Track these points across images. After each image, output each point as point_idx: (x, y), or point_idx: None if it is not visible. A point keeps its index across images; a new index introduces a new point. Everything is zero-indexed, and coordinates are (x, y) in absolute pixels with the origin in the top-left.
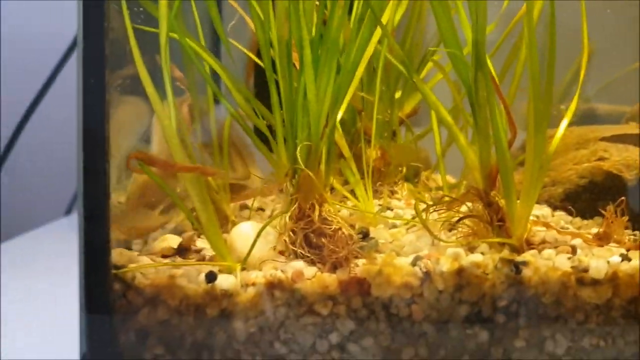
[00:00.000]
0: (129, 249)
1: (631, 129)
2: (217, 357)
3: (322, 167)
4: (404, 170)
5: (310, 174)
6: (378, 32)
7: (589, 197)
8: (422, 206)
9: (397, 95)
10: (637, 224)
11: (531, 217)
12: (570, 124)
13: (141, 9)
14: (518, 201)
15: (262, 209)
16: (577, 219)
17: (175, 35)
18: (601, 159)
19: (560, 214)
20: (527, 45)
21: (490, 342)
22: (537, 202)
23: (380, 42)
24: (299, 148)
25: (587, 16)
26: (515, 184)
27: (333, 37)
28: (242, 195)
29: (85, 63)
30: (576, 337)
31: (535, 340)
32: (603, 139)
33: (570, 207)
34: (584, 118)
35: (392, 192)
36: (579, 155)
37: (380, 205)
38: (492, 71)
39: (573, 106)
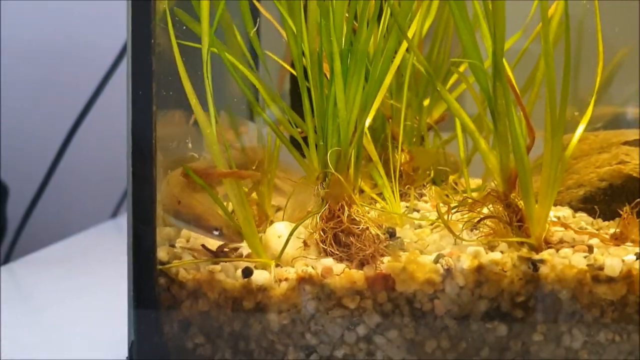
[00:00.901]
0: (173, 246)
1: None
2: (253, 347)
3: (351, 170)
4: (432, 173)
5: (340, 177)
6: (405, 43)
7: (609, 200)
8: (445, 208)
9: (426, 102)
10: None
11: (552, 218)
12: (600, 128)
13: (184, 27)
14: (536, 203)
15: None
16: (598, 220)
17: (215, 50)
18: (622, 162)
19: (581, 215)
20: (543, 52)
21: (509, 336)
22: (559, 204)
23: (408, 51)
24: (329, 153)
25: (618, 18)
26: (533, 187)
27: (361, 49)
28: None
29: (134, 75)
30: (592, 332)
31: (553, 335)
32: (625, 143)
33: (592, 207)
34: (614, 122)
35: (420, 195)
36: (600, 159)
37: (407, 207)
38: (512, 79)
39: (589, 112)
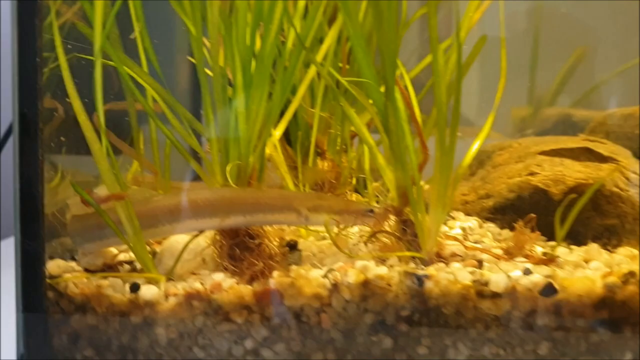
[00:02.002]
0: (74, 259)
1: (575, 142)
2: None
3: (254, 183)
4: (354, 181)
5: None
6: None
7: (517, 210)
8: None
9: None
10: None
11: (458, 230)
12: (531, 134)
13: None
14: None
15: None
16: (506, 231)
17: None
18: (531, 173)
19: (489, 225)
20: (434, 73)
21: (394, 349)
22: (470, 214)
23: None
24: (229, 167)
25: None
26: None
27: (265, 63)
28: None
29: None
30: (477, 346)
31: (437, 348)
32: (542, 153)
33: (502, 218)
34: (560, 124)
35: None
36: (514, 169)
37: None
38: (413, 97)
39: (489, 122)
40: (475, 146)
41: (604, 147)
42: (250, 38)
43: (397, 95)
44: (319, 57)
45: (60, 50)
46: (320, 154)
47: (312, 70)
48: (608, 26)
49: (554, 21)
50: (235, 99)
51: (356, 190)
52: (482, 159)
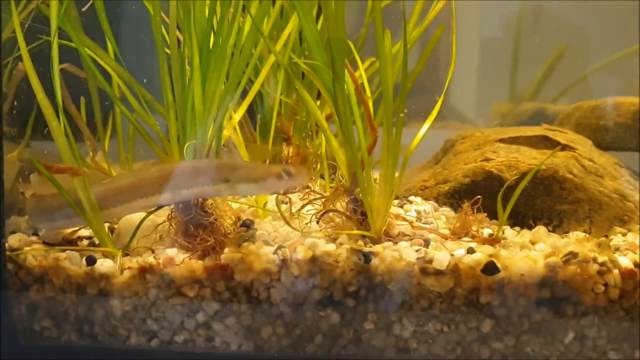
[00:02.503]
0: (36, 234)
1: (535, 131)
2: (97, 331)
3: None
4: (319, 167)
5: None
6: (282, 39)
7: (472, 195)
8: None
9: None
10: (515, 221)
11: (413, 213)
12: (498, 125)
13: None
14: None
15: None
16: (459, 215)
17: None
18: (486, 159)
19: (444, 209)
20: (379, 56)
21: (341, 324)
22: (427, 199)
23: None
24: (186, 146)
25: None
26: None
27: (222, 45)
28: None
29: None
30: (421, 322)
31: (383, 324)
32: (500, 140)
33: (456, 202)
34: (534, 117)
35: (305, 187)
36: (471, 156)
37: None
38: (365, 81)
39: (436, 109)
40: (424, 129)
41: (563, 136)
42: (207, 19)
43: (348, 79)
44: (281, 42)
45: (18, 29)
46: (286, 139)
47: (272, 57)
48: (589, 24)
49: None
50: (192, 80)
51: (322, 176)
52: (447, 148)
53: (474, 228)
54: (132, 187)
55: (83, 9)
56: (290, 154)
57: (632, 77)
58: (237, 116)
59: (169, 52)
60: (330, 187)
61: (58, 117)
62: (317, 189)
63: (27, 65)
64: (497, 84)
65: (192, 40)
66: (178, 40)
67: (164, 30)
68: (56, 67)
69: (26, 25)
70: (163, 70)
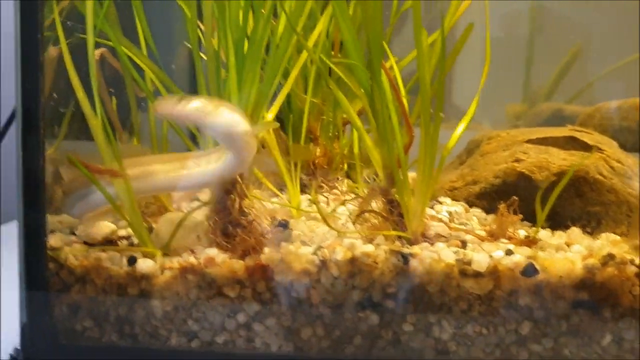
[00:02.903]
0: (73, 233)
1: (562, 132)
2: (137, 331)
3: None
4: (345, 167)
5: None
6: (311, 38)
7: (502, 196)
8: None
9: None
10: (550, 222)
11: (445, 214)
12: (520, 126)
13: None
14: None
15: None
16: (491, 216)
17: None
18: (517, 160)
19: (475, 210)
20: (418, 56)
21: (380, 325)
22: (457, 199)
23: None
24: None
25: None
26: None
27: (256, 45)
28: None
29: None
30: (460, 324)
31: (422, 326)
32: (528, 141)
33: (487, 203)
34: (552, 118)
35: (332, 187)
36: (501, 157)
37: (309, 199)
38: (399, 78)
39: (472, 109)
40: (460, 129)
41: (590, 137)
42: (242, 20)
43: (384, 78)
44: (310, 42)
45: (59, 27)
46: (312, 139)
47: (304, 55)
48: (603, 25)
49: (551, 20)
50: (228, 81)
51: (348, 176)
52: (471, 149)
53: (511, 229)
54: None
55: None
56: (318, 154)
57: None
58: (270, 116)
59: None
60: (356, 187)
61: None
62: (344, 188)
63: (68, 64)
64: (509, 84)
65: (227, 40)
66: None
67: (199, 32)
68: (93, 69)
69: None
70: (199, 71)
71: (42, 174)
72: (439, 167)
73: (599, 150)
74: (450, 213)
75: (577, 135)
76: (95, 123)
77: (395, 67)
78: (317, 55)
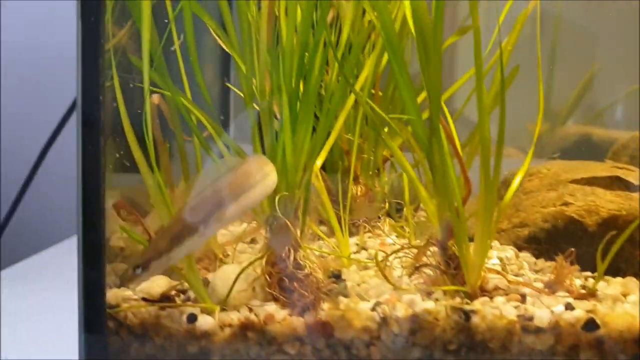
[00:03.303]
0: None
1: (604, 169)
2: None
3: (299, 213)
4: (387, 206)
5: (287, 222)
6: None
7: (552, 241)
8: (387, 249)
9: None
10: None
11: (494, 259)
12: (557, 157)
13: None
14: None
15: (254, 242)
16: (541, 261)
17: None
18: (565, 203)
19: (525, 254)
20: (479, 113)
21: None
22: (506, 243)
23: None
24: (277, 197)
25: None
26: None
27: (310, 97)
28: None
29: (83, 128)
30: None
31: None
32: (573, 181)
33: (536, 248)
34: (579, 142)
35: (373, 227)
36: (547, 198)
37: (357, 244)
38: (454, 131)
39: (526, 163)
40: (517, 181)
41: (633, 175)
42: (296, 74)
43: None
44: (357, 86)
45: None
46: (354, 178)
47: (351, 100)
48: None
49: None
50: (281, 133)
51: (389, 215)
52: (510, 183)
53: (568, 281)
54: None
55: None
56: (359, 192)
57: None
58: (319, 162)
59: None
60: (399, 227)
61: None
62: (386, 229)
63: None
64: (528, 101)
65: (281, 93)
66: None
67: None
68: (149, 120)
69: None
70: (253, 122)
71: (103, 232)
72: (495, 222)
73: None
74: (501, 259)
75: (621, 173)
76: (152, 183)
77: (450, 120)
78: (364, 99)
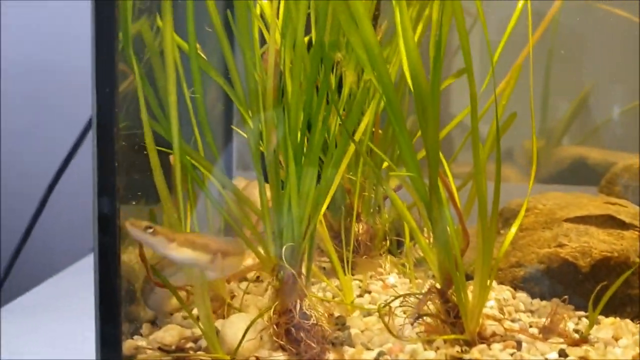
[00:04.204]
0: (140, 333)
1: (597, 206)
2: None
3: (305, 263)
4: (388, 243)
5: (294, 272)
6: (360, 130)
7: (548, 281)
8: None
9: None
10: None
11: (492, 302)
12: (561, 173)
13: None
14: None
15: (260, 279)
16: (537, 301)
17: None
18: (560, 245)
19: (521, 295)
20: (475, 172)
21: None
22: (502, 283)
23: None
24: (284, 248)
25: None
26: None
27: (314, 152)
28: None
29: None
30: None
31: None
32: (567, 220)
33: (532, 288)
34: (575, 166)
35: (377, 266)
36: (542, 237)
37: (359, 287)
38: (452, 184)
39: (523, 210)
40: (513, 230)
41: (626, 212)
42: (301, 129)
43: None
44: (358, 133)
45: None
46: (356, 216)
47: (352, 147)
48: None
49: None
50: (287, 185)
51: (390, 252)
52: (507, 217)
53: (562, 325)
54: None
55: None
56: (361, 231)
57: None
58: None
59: None
60: (401, 264)
61: None
62: (387, 267)
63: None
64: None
65: (287, 148)
66: None
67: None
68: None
69: None
70: (259, 174)
71: (119, 289)
72: (493, 273)
73: (636, 229)
74: (498, 300)
75: (614, 211)
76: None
77: (449, 174)
78: (364, 147)
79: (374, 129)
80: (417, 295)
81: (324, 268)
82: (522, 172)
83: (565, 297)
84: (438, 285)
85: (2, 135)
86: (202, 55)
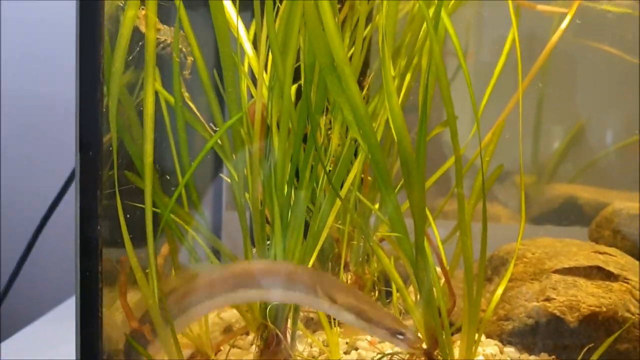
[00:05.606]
0: None
1: (585, 255)
2: None
3: (290, 322)
4: (377, 294)
5: (279, 332)
6: (348, 182)
7: (534, 335)
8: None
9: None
10: None
11: (481, 358)
12: (552, 212)
13: None
14: None
15: (247, 333)
16: (525, 355)
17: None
18: (548, 299)
19: (509, 350)
20: (461, 236)
21: None
22: (489, 337)
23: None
24: (269, 307)
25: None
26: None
27: (300, 209)
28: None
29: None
30: None
31: None
32: (555, 271)
33: (520, 342)
34: (565, 205)
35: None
36: (530, 290)
37: (347, 343)
38: (441, 247)
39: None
40: (499, 292)
41: (614, 262)
42: (287, 187)
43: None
44: (346, 185)
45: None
46: (344, 265)
47: (338, 203)
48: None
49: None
50: (273, 241)
51: (378, 301)
52: (496, 265)
53: None
54: (223, 279)
55: None
56: (349, 281)
57: None
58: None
59: None
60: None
61: None
62: None
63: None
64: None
65: (273, 203)
66: None
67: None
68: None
69: None
70: (245, 232)
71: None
72: (481, 327)
73: (624, 280)
74: (486, 356)
75: (602, 261)
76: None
77: (437, 236)
78: (352, 201)
79: (362, 176)
80: (403, 356)
81: (312, 318)
82: (512, 211)
83: (553, 357)
84: (424, 345)
85: None
86: (189, 110)
